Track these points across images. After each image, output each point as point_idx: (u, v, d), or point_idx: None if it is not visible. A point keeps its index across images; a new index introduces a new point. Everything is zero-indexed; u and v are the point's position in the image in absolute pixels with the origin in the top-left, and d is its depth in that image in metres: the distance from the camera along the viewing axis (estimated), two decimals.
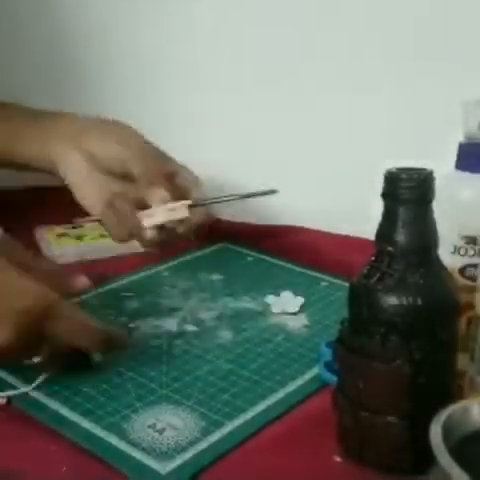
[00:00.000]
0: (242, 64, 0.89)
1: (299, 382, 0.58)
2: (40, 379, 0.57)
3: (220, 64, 0.91)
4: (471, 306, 0.49)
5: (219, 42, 0.90)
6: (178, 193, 0.70)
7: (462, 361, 0.49)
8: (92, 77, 0.99)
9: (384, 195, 0.45)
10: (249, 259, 0.84)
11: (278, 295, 0.73)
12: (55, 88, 0.98)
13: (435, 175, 0.44)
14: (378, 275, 0.45)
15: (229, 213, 0.90)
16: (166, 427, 0.52)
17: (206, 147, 0.95)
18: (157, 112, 0.97)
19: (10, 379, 0.58)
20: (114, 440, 0.51)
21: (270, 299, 0.72)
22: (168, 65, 0.95)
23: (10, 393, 0.55)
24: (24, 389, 0.56)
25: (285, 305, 0.71)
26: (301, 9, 0.82)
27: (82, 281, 0.70)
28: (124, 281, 0.78)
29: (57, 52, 1.00)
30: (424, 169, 0.45)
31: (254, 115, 0.90)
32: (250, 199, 0.91)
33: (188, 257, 0.85)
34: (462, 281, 0.52)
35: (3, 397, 0.55)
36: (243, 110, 0.90)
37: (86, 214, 0.73)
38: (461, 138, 0.54)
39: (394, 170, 0.45)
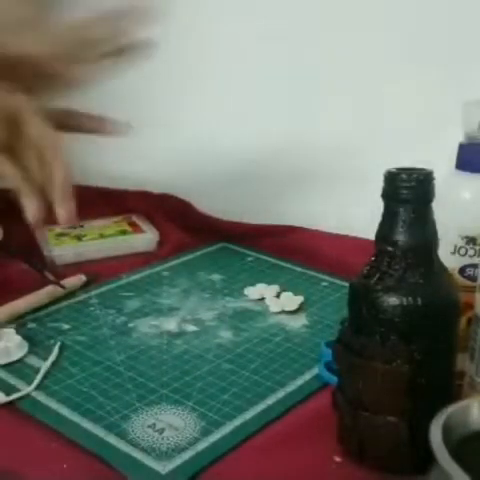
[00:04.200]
0: (245, 67, 0.89)
1: (299, 382, 0.58)
2: (39, 378, 0.57)
3: (225, 62, 0.90)
4: (471, 306, 0.49)
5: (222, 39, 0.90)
6: None
7: (462, 361, 0.49)
8: None
9: (384, 195, 0.45)
10: (249, 259, 0.84)
11: (278, 295, 0.73)
12: None
13: (435, 175, 0.44)
14: (378, 275, 0.45)
15: (229, 213, 0.90)
16: (166, 427, 0.52)
17: (206, 148, 0.95)
18: (157, 109, 0.97)
19: (11, 379, 0.58)
20: (114, 440, 0.51)
21: (269, 299, 0.72)
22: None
23: (13, 397, 0.55)
24: (25, 390, 0.56)
25: (284, 305, 0.71)
26: (305, 8, 0.82)
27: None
28: (124, 281, 0.78)
29: None
30: (424, 169, 0.45)
31: (255, 115, 0.90)
32: (252, 198, 0.91)
33: (188, 257, 0.85)
34: (462, 281, 0.52)
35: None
36: (244, 110, 0.90)
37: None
38: (461, 138, 0.54)
39: (394, 170, 0.45)
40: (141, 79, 0.97)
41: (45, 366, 0.59)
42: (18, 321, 0.67)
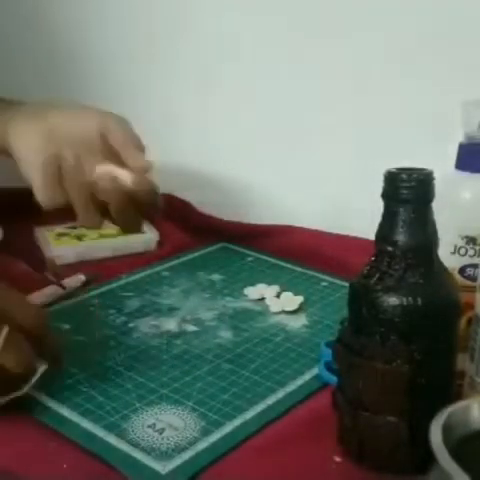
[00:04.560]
0: (243, 63, 0.89)
1: (299, 382, 0.58)
2: (36, 378, 0.57)
3: (223, 62, 0.91)
4: (471, 306, 0.49)
5: (223, 41, 0.90)
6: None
7: (462, 361, 0.49)
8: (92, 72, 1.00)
9: (384, 195, 0.45)
10: (249, 259, 0.84)
11: (278, 295, 0.73)
12: (54, 83, 0.99)
13: (435, 175, 0.44)
14: (378, 275, 0.45)
15: (229, 213, 0.90)
16: (166, 427, 0.52)
17: (206, 148, 0.95)
18: (158, 111, 0.97)
19: None
20: (114, 440, 0.50)
21: (269, 299, 0.72)
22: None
23: (12, 396, 0.55)
24: (25, 390, 0.56)
25: (284, 305, 0.71)
26: (304, 12, 0.82)
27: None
28: (124, 281, 0.78)
29: (56, 49, 1.00)
30: (424, 169, 0.45)
31: (254, 115, 0.90)
32: (252, 198, 0.91)
33: (188, 257, 0.85)
34: (462, 281, 0.52)
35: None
36: (243, 110, 0.90)
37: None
38: (461, 138, 0.54)
39: (394, 170, 0.45)
40: (140, 80, 0.98)
41: (45, 366, 0.59)
42: None
